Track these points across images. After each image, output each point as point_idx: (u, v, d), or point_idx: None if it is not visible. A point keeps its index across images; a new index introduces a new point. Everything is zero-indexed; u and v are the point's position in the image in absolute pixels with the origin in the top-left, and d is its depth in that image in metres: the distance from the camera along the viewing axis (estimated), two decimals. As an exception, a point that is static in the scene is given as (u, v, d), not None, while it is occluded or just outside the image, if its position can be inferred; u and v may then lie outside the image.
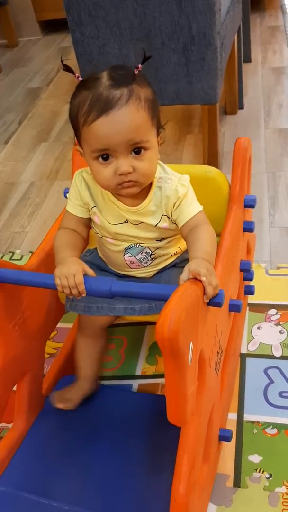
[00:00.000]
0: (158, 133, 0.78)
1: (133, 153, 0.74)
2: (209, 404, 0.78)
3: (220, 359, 0.83)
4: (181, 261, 0.89)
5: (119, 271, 0.91)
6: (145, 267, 0.88)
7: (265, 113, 2.03)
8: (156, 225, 0.83)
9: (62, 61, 0.77)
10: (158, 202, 0.81)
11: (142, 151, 0.75)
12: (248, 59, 2.36)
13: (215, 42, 1.40)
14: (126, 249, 0.86)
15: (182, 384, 0.63)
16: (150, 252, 0.86)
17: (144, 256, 0.87)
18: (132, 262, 0.87)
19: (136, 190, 0.78)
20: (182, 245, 0.89)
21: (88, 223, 0.88)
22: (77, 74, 0.77)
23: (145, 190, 0.81)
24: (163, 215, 0.82)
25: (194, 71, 1.46)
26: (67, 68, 0.78)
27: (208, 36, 1.39)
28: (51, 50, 3.04)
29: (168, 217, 0.82)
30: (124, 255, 0.87)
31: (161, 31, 1.40)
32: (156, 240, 0.85)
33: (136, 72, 0.75)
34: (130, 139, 0.73)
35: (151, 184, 0.81)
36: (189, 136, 1.97)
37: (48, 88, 2.57)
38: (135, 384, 1.10)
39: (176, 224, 0.82)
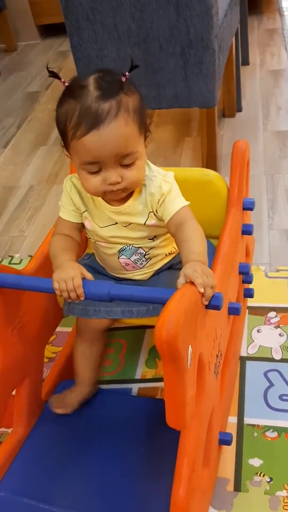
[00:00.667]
0: (145, 137, 0.79)
1: (122, 163, 0.75)
2: (209, 407, 0.78)
3: (219, 362, 0.83)
4: (178, 262, 0.89)
5: (115, 275, 0.91)
6: (140, 268, 0.88)
7: (264, 115, 2.03)
8: (144, 224, 0.83)
9: (48, 68, 0.77)
10: (143, 200, 0.82)
11: (131, 161, 0.75)
12: (246, 62, 2.37)
13: (213, 45, 1.40)
14: (119, 251, 0.86)
15: (181, 388, 0.62)
16: (144, 253, 0.86)
17: (138, 257, 0.87)
18: (127, 264, 0.87)
19: (124, 195, 0.80)
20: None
21: (82, 228, 0.88)
22: (63, 80, 0.77)
23: None
24: (150, 212, 0.82)
25: (192, 75, 1.46)
26: (54, 75, 0.77)
27: (206, 40, 1.39)
28: (49, 54, 3.04)
29: (154, 214, 0.83)
30: (118, 258, 0.87)
31: (159, 35, 1.40)
32: (149, 239, 0.85)
33: (123, 79, 0.75)
34: (120, 152, 0.74)
35: None
36: (187, 139, 1.97)
37: (47, 92, 2.57)
38: (135, 388, 1.10)
39: (163, 221, 0.83)
